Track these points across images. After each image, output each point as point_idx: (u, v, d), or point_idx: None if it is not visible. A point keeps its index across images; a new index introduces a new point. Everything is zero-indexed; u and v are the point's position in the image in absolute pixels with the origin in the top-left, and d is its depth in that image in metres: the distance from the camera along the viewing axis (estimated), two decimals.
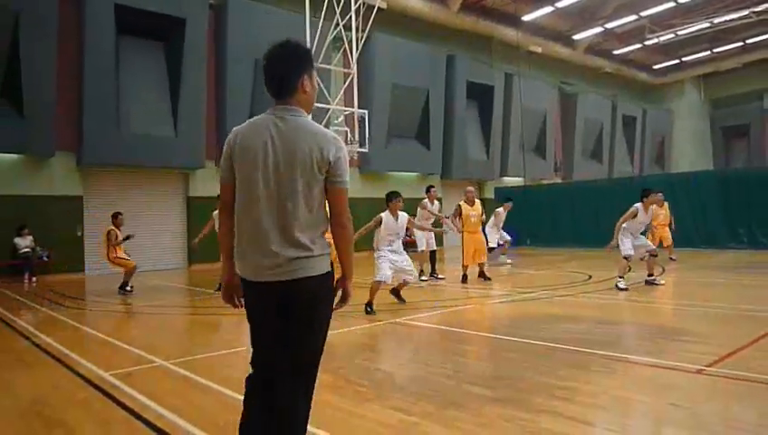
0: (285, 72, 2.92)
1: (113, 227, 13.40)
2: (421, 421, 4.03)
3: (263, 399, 2.98)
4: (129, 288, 12.87)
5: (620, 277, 10.78)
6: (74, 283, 16.17)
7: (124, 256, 13.50)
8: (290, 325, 2.92)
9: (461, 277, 12.68)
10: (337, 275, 3.00)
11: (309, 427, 4.01)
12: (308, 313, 2.92)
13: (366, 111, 17.91)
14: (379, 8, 18.82)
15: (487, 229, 15.72)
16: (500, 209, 16.98)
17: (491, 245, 15.66)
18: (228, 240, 3.00)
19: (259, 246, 2.82)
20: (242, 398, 3.16)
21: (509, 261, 17.10)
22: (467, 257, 12.69)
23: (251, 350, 3.09)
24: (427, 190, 13.81)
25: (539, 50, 31.89)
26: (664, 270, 13.34)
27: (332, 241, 3.00)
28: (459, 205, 12.91)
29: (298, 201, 2.80)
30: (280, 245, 2.79)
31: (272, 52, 2.93)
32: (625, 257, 10.90)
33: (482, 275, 13.06)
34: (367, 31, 18.07)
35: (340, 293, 3.09)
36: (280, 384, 2.96)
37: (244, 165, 2.84)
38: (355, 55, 17.64)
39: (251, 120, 2.96)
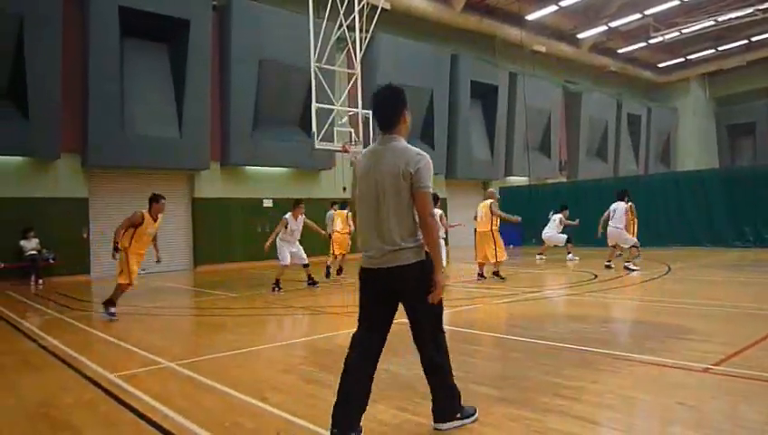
0: (391, 112, 3.93)
1: (145, 213, 9.94)
2: (427, 422, 4.02)
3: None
4: (112, 310, 9.74)
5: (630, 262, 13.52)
6: (80, 285, 16.22)
7: (135, 261, 10.19)
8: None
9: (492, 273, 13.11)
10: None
11: (313, 427, 4.03)
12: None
13: (370, 112, 17.86)
14: (382, 8, 18.81)
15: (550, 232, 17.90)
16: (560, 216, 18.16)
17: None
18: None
19: (370, 241, 3.76)
20: (248, 399, 4.13)
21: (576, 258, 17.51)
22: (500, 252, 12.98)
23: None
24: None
25: (543, 49, 31.85)
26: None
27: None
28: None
29: (392, 207, 3.66)
30: (380, 241, 3.69)
31: (379, 94, 4.01)
32: (634, 246, 14.03)
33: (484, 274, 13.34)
34: (370, 31, 18.06)
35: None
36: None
37: (362, 182, 3.83)
38: (359, 56, 17.64)
39: (368, 148, 3.96)
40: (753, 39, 35.00)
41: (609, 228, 14.70)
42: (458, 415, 3.89)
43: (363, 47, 17.77)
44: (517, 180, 31.88)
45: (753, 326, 6.82)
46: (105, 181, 18.95)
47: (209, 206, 20.83)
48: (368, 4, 17.72)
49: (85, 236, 18.21)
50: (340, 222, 14.70)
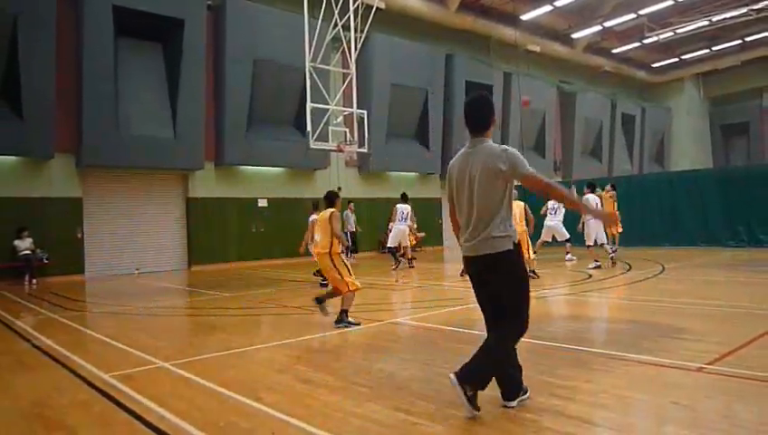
0: (483, 118, 4.31)
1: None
2: (422, 421, 4.03)
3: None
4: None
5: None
6: (74, 285, 16.17)
7: None
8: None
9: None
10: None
11: (308, 427, 4.03)
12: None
13: (365, 112, 17.91)
14: (377, 8, 18.82)
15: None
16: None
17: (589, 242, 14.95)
18: (456, 231, 4.49)
19: (467, 233, 4.22)
20: (242, 399, 4.20)
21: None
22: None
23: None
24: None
25: (537, 49, 31.88)
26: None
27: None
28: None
29: (484, 201, 4.08)
30: (474, 232, 4.14)
31: (473, 102, 4.38)
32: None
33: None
34: (365, 31, 18.06)
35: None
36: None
37: (458, 181, 4.27)
38: (354, 55, 17.64)
39: (460, 151, 4.37)
40: (748, 39, 35.10)
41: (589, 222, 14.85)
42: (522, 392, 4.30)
43: (358, 47, 17.77)
44: None
45: (748, 326, 6.84)
46: (99, 181, 18.89)
47: (204, 206, 20.79)
48: (363, 3, 17.72)
49: (79, 236, 18.15)
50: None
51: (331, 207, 8.37)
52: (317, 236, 8.51)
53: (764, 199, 18.70)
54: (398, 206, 16.64)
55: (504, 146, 4.16)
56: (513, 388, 4.25)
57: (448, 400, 4.48)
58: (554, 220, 16.39)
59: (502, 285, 4.18)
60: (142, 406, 4.65)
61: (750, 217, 18.99)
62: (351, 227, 20.74)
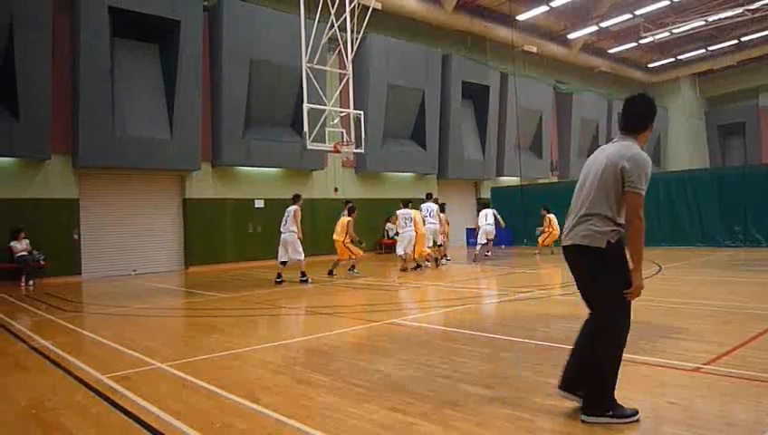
0: (639, 120, 4.07)
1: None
2: (419, 422, 4.03)
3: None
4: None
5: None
6: (71, 286, 16.13)
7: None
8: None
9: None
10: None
11: (305, 428, 4.03)
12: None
13: (362, 112, 17.88)
14: (373, 9, 18.81)
15: None
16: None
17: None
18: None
19: (568, 221, 4.16)
20: (239, 400, 4.25)
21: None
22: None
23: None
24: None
25: (534, 49, 31.92)
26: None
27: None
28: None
29: (593, 192, 3.96)
30: (572, 220, 4.08)
31: (635, 101, 4.15)
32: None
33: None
34: (362, 31, 18.06)
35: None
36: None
37: (585, 170, 4.16)
38: (350, 56, 17.62)
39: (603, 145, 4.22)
40: (744, 39, 35.18)
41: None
42: (609, 413, 3.88)
43: (355, 47, 17.75)
44: (509, 180, 31.96)
45: (744, 326, 6.86)
46: (96, 182, 18.85)
47: (200, 206, 20.77)
48: (359, 4, 17.71)
49: (76, 237, 18.11)
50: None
51: (350, 215, 15.19)
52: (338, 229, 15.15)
53: (761, 199, 18.77)
54: (422, 205, 17.45)
55: (642, 153, 3.94)
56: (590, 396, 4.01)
57: (446, 400, 4.49)
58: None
59: (590, 280, 4.12)
60: (139, 407, 4.64)
61: (746, 216, 19.05)
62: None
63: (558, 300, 9.78)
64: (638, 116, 4.09)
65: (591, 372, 3.97)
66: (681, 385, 4.70)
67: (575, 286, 4.24)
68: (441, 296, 11.03)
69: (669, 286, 11.13)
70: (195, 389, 5.16)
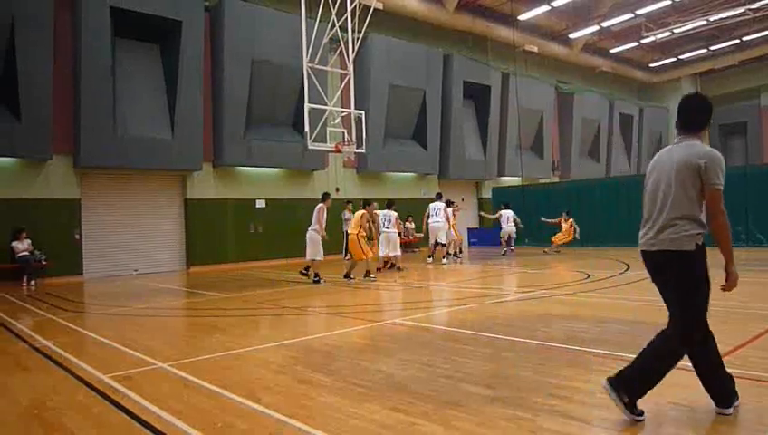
0: (698, 119, 4.19)
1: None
2: (420, 422, 4.03)
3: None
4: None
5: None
6: (73, 286, 16.15)
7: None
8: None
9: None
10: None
11: (306, 428, 4.03)
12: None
13: (363, 112, 17.89)
14: (375, 9, 18.81)
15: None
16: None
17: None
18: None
19: (647, 226, 4.18)
20: (240, 399, 4.21)
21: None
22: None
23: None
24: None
25: (535, 49, 31.92)
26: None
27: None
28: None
29: (672, 196, 3.97)
30: (654, 226, 4.07)
31: (692, 100, 4.27)
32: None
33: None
34: (363, 31, 18.06)
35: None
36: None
37: (651, 174, 4.21)
38: (351, 56, 17.62)
39: (665, 148, 4.27)
40: (745, 39, 35.16)
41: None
42: (626, 400, 3.92)
43: (356, 47, 17.75)
44: (510, 180, 31.96)
45: (746, 326, 6.84)
46: (97, 182, 18.88)
47: (202, 206, 20.78)
48: (360, 4, 17.70)
49: (77, 237, 18.13)
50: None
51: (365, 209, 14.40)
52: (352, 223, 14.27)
53: (762, 199, 18.74)
54: (431, 205, 18.19)
55: (712, 150, 3.97)
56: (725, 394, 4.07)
57: (447, 400, 4.49)
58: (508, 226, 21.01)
59: (672, 284, 4.18)
60: (140, 407, 4.64)
61: (748, 216, 19.02)
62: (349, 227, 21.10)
63: (560, 300, 9.77)
64: (699, 115, 4.20)
65: (646, 360, 4.04)
66: (682, 385, 4.68)
67: (657, 294, 4.29)
68: (443, 296, 11.03)
69: None
70: (196, 389, 5.16)
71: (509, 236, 21.44)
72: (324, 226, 13.95)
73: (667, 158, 4.11)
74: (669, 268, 4.07)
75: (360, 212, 14.57)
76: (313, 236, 13.77)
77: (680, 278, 4.06)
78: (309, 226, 13.91)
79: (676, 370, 5.08)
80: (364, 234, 14.30)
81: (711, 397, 4.05)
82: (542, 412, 4.11)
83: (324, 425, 4.04)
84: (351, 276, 14.05)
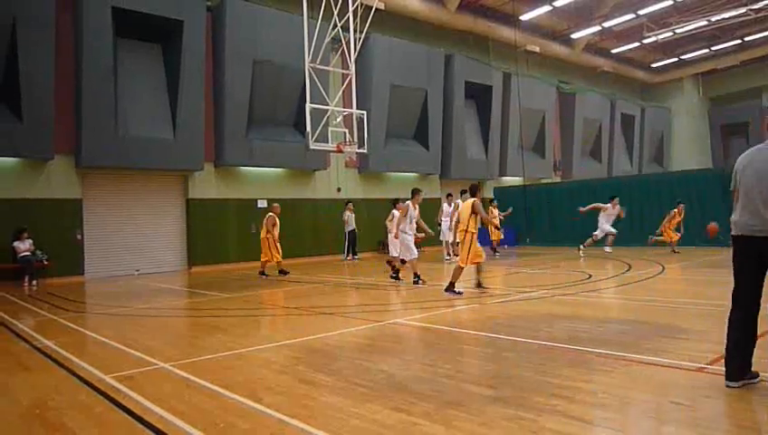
0: None
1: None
2: (422, 422, 4.02)
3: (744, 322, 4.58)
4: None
5: None
6: (74, 286, 16.16)
7: None
8: None
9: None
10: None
11: (308, 428, 4.03)
12: None
13: (364, 112, 17.89)
14: (376, 9, 18.82)
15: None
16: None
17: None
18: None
19: (754, 216, 4.56)
20: (242, 399, 4.30)
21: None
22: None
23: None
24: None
25: (537, 49, 31.89)
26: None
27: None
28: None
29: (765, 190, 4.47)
30: (758, 216, 4.50)
31: None
32: None
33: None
34: (365, 31, 18.06)
35: None
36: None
37: (744, 171, 4.66)
38: (353, 56, 17.63)
39: (753, 148, 4.72)
40: (747, 39, 35.14)
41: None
42: (747, 376, 4.51)
43: (357, 47, 17.76)
44: (511, 180, 31.93)
45: None
46: (99, 182, 18.88)
47: (203, 206, 20.79)
48: (362, 4, 17.70)
49: (79, 237, 18.14)
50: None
51: (473, 196, 11.08)
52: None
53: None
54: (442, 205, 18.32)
55: None
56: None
57: (449, 400, 4.48)
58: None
59: None
60: (142, 407, 4.64)
61: None
62: (351, 226, 21.31)
63: (561, 300, 9.76)
64: None
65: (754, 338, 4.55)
66: (685, 385, 4.69)
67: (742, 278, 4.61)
68: (444, 296, 11.01)
69: (673, 286, 11.11)
70: (198, 389, 5.16)
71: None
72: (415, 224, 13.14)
73: (759, 155, 4.61)
74: None
75: (395, 212, 13.81)
76: (405, 238, 12.86)
77: None
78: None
79: (680, 370, 5.09)
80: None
81: (727, 371, 4.51)
82: (544, 412, 4.11)
83: (326, 425, 4.04)
84: (399, 277, 13.51)
